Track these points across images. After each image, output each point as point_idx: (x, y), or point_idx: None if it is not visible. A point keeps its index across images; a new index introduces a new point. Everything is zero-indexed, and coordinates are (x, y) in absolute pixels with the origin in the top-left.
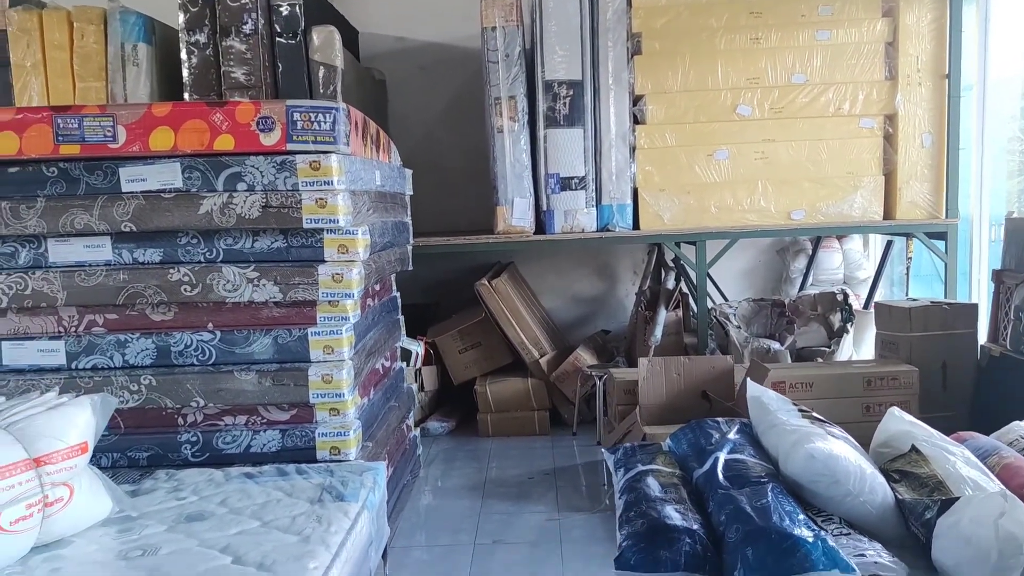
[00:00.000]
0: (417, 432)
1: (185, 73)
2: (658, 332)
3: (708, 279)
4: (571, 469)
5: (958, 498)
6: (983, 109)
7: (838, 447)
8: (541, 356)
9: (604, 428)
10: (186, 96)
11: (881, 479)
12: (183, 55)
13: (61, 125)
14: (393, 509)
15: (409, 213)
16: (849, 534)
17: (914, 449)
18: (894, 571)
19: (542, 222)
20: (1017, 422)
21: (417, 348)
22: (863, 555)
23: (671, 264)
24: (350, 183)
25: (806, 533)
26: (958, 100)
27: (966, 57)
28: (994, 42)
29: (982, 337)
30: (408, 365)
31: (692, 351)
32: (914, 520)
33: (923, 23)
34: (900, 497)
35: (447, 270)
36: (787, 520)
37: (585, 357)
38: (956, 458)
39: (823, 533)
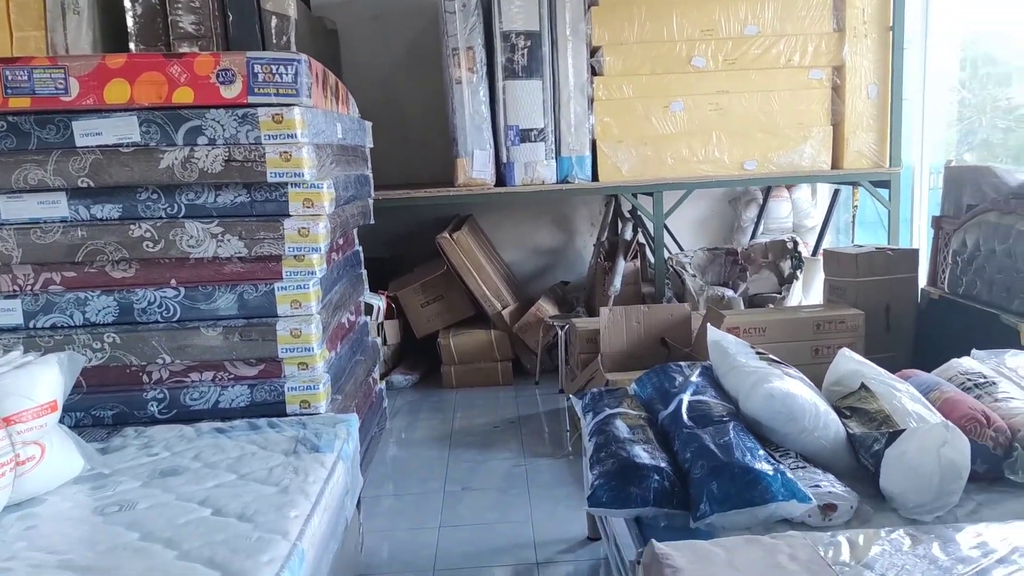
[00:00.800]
0: (383, 385)
1: (130, 22)
2: (617, 282)
3: (665, 229)
4: (535, 417)
5: (904, 430)
6: (925, 61)
7: (794, 386)
8: (503, 308)
9: (566, 376)
10: (132, 47)
11: (834, 415)
12: (127, 3)
13: (9, 77)
14: (363, 460)
15: (370, 166)
16: (805, 467)
17: (863, 387)
18: (846, 499)
19: (502, 174)
20: (955, 359)
21: (379, 302)
22: (818, 486)
23: (628, 215)
24: (313, 136)
25: (766, 467)
26: (902, 52)
27: (909, 10)
28: None
29: (923, 281)
30: (371, 319)
31: (650, 300)
32: (864, 452)
33: None
34: (851, 432)
35: (408, 223)
36: (748, 455)
37: (547, 308)
38: (902, 394)
39: (782, 466)
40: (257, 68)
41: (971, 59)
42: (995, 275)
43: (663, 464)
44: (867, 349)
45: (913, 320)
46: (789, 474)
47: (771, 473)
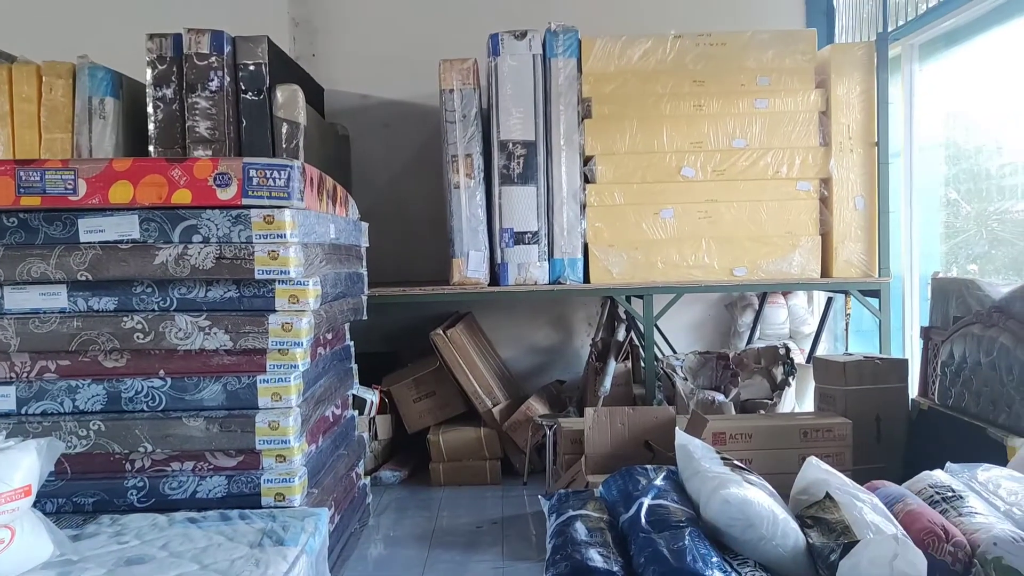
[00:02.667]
0: (367, 480)
1: (151, 127)
2: (607, 383)
3: (657, 331)
4: (520, 518)
5: (859, 541)
6: (911, 174)
7: (752, 493)
8: (494, 405)
9: (553, 477)
10: (151, 149)
11: (794, 524)
12: (149, 109)
13: (23, 178)
14: (339, 557)
15: (364, 264)
16: None
17: (828, 496)
18: None
19: (496, 274)
20: (928, 472)
21: (372, 397)
22: None
23: (623, 317)
24: (303, 236)
25: (717, 574)
26: (887, 166)
27: (893, 126)
28: (919, 113)
29: (914, 391)
30: (363, 414)
31: (641, 402)
32: (821, 563)
33: (853, 95)
34: (811, 541)
35: (407, 319)
36: (700, 562)
37: (537, 407)
38: (864, 504)
39: (733, 574)
40: (252, 172)
41: (969, 172)
42: (981, 387)
43: (616, 568)
44: (858, 459)
45: (904, 431)
46: None
47: None
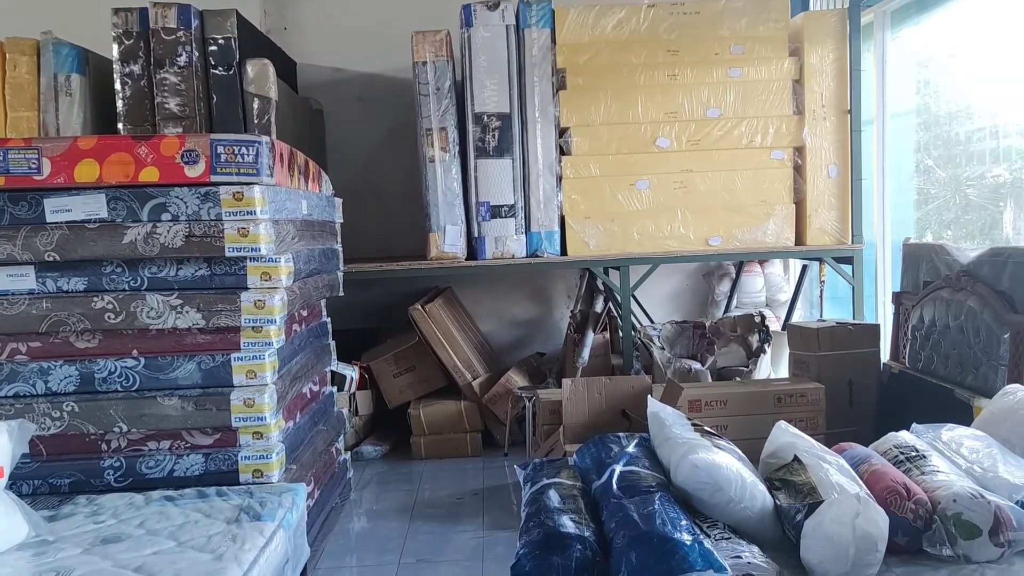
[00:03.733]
0: (348, 456)
1: (119, 104)
2: (585, 354)
3: (634, 302)
4: (501, 489)
5: (823, 501)
6: (883, 141)
7: (721, 457)
8: (474, 379)
9: (532, 448)
10: (120, 126)
11: (762, 487)
12: (117, 86)
13: None
14: (320, 531)
15: (339, 240)
16: (730, 538)
17: (796, 459)
18: (766, 570)
19: (474, 248)
20: (893, 433)
21: (352, 373)
22: (739, 556)
23: (601, 288)
24: (274, 212)
25: (685, 537)
26: (859, 133)
27: (866, 94)
28: (891, 80)
29: (886, 355)
30: (343, 390)
31: (619, 372)
32: (788, 523)
33: (826, 63)
34: (778, 503)
35: (386, 294)
36: (669, 525)
37: (516, 379)
38: (830, 466)
39: (701, 536)
40: (220, 149)
41: (941, 138)
42: (950, 350)
43: (587, 534)
44: (831, 423)
45: (875, 394)
46: (708, 544)
47: (689, 543)
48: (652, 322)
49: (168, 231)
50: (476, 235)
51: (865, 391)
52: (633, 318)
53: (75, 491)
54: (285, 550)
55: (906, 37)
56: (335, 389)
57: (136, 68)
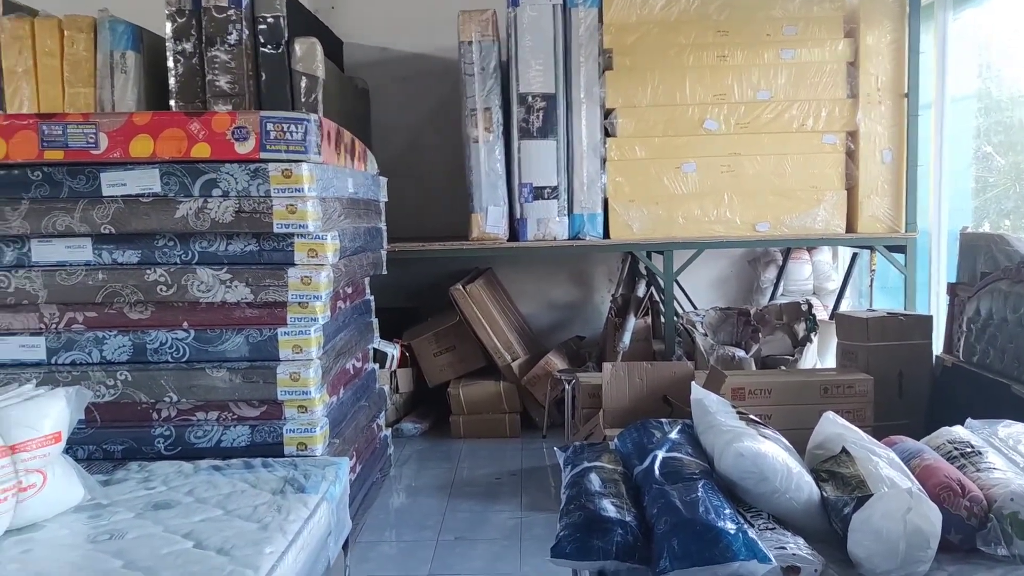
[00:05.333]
0: (388, 432)
1: (171, 81)
2: (626, 338)
3: (677, 287)
4: (539, 471)
5: (873, 495)
6: (941, 127)
7: (767, 447)
8: (513, 360)
9: (571, 431)
10: (172, 103)
11: (808, 478)
12: (170, 63)
13: (46, 132)
14: (360, 505)
15: (383, 219)
16: (774, 528)
17: (844, 451)
18: (811, 563)
19: (515, 230)
20: (947, 427)
21: (393, 351)
22: (784, 547)
23: (643, 273)
24: (321, 190)
25: (729, 526)
26: (916, 118)
27: (924, 77)
28: (951, 63)
29: (938, 348)
30: (384, 367)
31: (660, 357)
32: (835, 516)
33: (883, 44)
34: (825, 495)
35: (428, 274)
36: (712, 513)
37: (556, 362)
38: (880, 459)
39: (746, 526)
40: (269, 126)
41: (1002, 124)
42: (1007, 344)
43: (629, 518)
44: (879, 416)
45: (927, 387)
46: (752, 534)
47: (733, 532)
48: (695, 308)
49: (218, 206)
50: (518, 216)
51: (916, 384)
52: (676, 304)
53: (127, 457)
54: (328, 522)
55: (968, 18)
56: (377, 366)
57: (188, 46)
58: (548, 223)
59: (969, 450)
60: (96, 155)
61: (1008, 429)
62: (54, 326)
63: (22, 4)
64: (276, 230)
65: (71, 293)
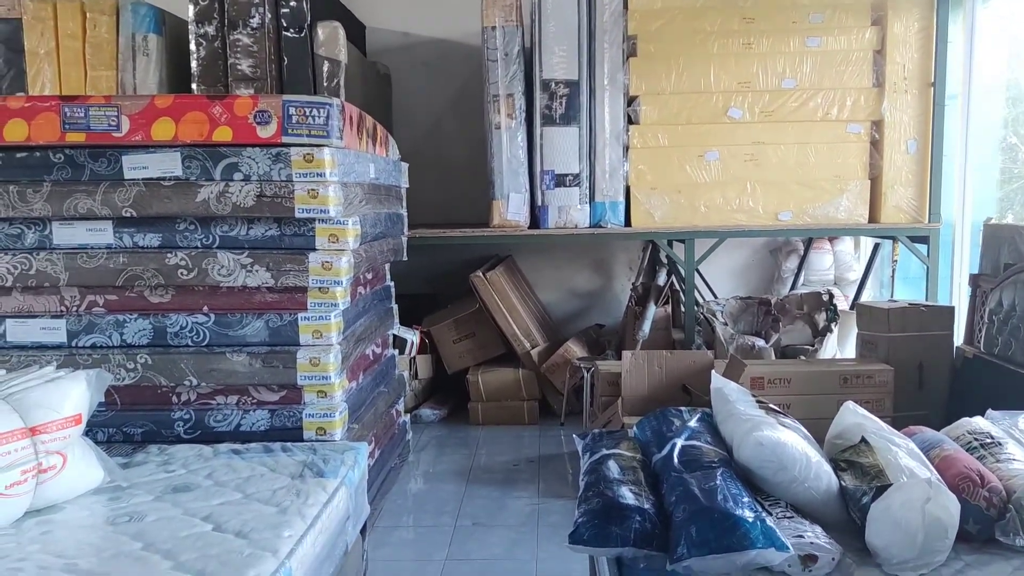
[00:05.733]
0: (407, 418)
1: (193, 64)
2: (646, 327)
3: (698, 276)
4: (557, 458)
5: (892, 484)
6: (967, 117)
7: (786, 435)
8: (532, 347)
9: (590, 419)
10: (193, 86)
11: (827, 467)
12: (192, 46)
13: (68, 114)
14: (379, 491)
15: (404, 205)
16: (792, 517)
17: (863, 440)
18: (829, 551)
19: (537, 217)
20: (967, 418)
21: (412, 337)
22: (802, 536)
23: (664, 261)
24: (342, 175)
25: (747, 514)
26: (943, 108)
27: (952, 66)
28: (979, 52)
29: (959, 339)
30: (403, 353)
31: (680, 346)
32: (853, 505)
33: (910, 32)
34: (844, 484)
35: (448, 261)
36: (731, 502)
37: (575, 349)
38: (900, 449)
39: (764, 514)
40: (292, 110)
41: None
42: None
43: (647, 506)
44: (898, 407)
45: (947, 379)
46: (770, 522)
47: (751, 520)
48: (716, 297)
49: (240, 190)
50: (539, 204)
51: (936, 375)
52: (696, 292)
53: (147, 440)
54: (347, 507)
55: (997, 7)
56: (396, 352)
57: (210, 29)
58: (569, 210)
59: (989, 441)
60: (118, 138)
61: None
62: (75, 309)
63: None
64: (297, 215)
65: (92, 276)
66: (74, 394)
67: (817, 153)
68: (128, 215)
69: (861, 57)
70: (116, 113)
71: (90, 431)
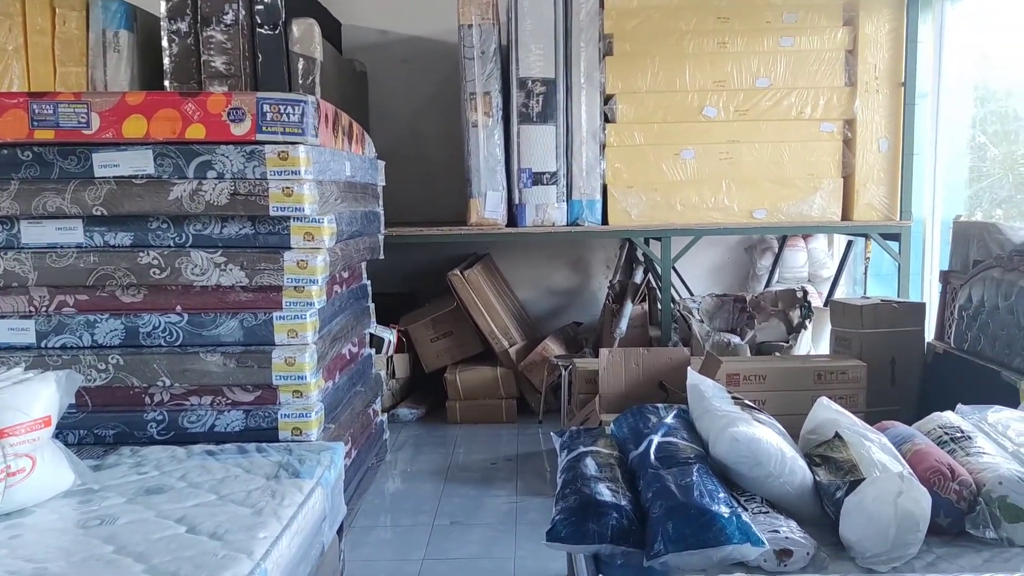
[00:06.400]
0: (384, 417)
1: (166, 61)
2: (623, 324)
3: (674, 274)
4: (535, 456)
5: (865, 479)
6: (937, 116)
7: (761, 431)
8: (510, 346)
9: (567, 416)
10: (166, 83)
11: (801, 462)
12: (164, 43)
13: (36, 111)
14: (356, 491)
15: (381, 203)
16: (768, 512)
17: (837, 435)
18: (803, 546)
19: (514, 215)
20: (938, 413)
21: (390, 336)
22: (777, 531)
23: (641, 259)
24: (317, 173)
25: (723, 509)
26: (913, 107)
27: (921, 66)
28: (948, 52)
29: (930, 335)
30: (380, 352)
31: (657, 343)
32: (827, 500)
33: (881, 33)
34: (818, 479)
35: (426, 260)
36: (707, 497)
37: (553, 347)
38: (872, 444)
39: (739, 510)
40: (266, 107)
41: (997, 114)
42: (998, 331)
43: (624, 502)
44: (871, 402)
45: (919, 374)
46: (745, 517)
47: (727, 515)
48: (692, 294)
49: (213, 188)
50: (517, 202)
51: (908, 370)
52: (672, 290)
53: (119, 442)
54: (323, 508)
55: (966, 7)
56: (373, 351)
57: (183, 26)
58: (547, 209)
59: (959, 435)
60: (88, 135)
61: (998, 415)
62: (44, 309)
63: None
64: (272, 213)
65: (62, 275)
66: (43, 396)
67: (791, 151)
68: (99, 213)
69: (833, 57)
70: (86, 110)
71: (60, 433)
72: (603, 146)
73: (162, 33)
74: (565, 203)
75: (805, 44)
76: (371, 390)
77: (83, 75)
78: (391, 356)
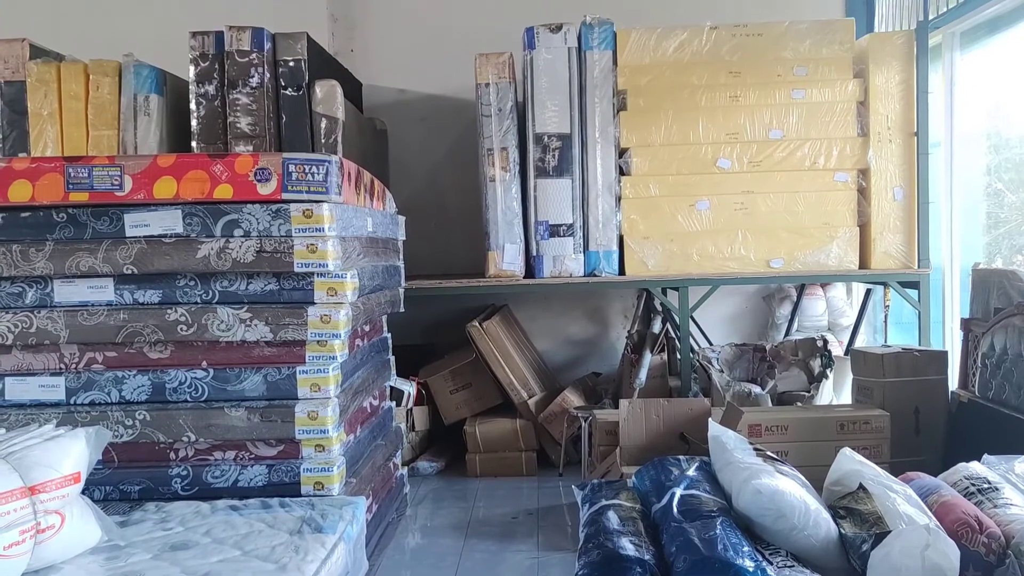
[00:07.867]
0: (404, 471)
1: (193, 123)
2: (642, 375)
3: (693, 324)
4: (556, 509)
5: (891, 531)
6: (951, 165)
7: (784, 483)
8: (530, 397)
9: (588, 468)
10: (193, 144)
11: (826, 515)
12: (192, 105)
13: (72, 174)
14: (376, 546)
15: (401, 257)
16: (793, 566)
17: (861, 487)
18: None
19: (532, 267)
20: (964, 463)
21: (409, 388)
22: None
23: (658, 309)
24: (341, 230)
25: (748, 563)
26: (926, 156)
27: (933, 116)
28: (960, 101)
29: (953, 383)
30: (400, 405)
31: (677, 394)
32: (853, 553)
33: (892, 84)
34: (843, 532)
35: (444, 311)
36: (731, 551)
37: (572, 399)
38: (897, 495)
39: (764, 564)
40: (291, 167)
41: (1012, 162)
42: (1022, 380)
43: (647, 556)
44: (897, 451)
45: (943, 423)
46: (771, 571)
47: (751, 569)
48: (711, 344)
49: (240, 246)
50: (534, 254)
51: (932, 420)
52: (691, 340)
53: (144, 498)
54: (345, 563)
55: (976, 58)
56: (393, 404)
57: (211, 89)
58: (564, 260)
59: (986, 486)
60: (120, 197)
61: None
62: (74, 366)
63: (48, 49)
64: (296, 269)
65: (92, 333)
66: (74, 452)
67: (806, 201)
68: (129, 272)
69: (845, 108)
70: (119, 173)
71: (87, 489)
72: (619, 198)
73: (190, 96)
74: (582, 254)
75: (817, 96)
76: (391, 443)
77: (114, 138)
78: (411, 408)
